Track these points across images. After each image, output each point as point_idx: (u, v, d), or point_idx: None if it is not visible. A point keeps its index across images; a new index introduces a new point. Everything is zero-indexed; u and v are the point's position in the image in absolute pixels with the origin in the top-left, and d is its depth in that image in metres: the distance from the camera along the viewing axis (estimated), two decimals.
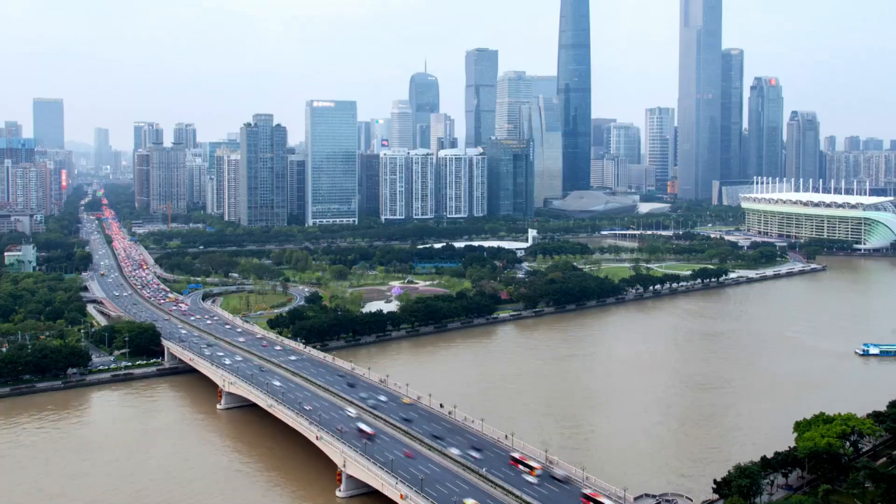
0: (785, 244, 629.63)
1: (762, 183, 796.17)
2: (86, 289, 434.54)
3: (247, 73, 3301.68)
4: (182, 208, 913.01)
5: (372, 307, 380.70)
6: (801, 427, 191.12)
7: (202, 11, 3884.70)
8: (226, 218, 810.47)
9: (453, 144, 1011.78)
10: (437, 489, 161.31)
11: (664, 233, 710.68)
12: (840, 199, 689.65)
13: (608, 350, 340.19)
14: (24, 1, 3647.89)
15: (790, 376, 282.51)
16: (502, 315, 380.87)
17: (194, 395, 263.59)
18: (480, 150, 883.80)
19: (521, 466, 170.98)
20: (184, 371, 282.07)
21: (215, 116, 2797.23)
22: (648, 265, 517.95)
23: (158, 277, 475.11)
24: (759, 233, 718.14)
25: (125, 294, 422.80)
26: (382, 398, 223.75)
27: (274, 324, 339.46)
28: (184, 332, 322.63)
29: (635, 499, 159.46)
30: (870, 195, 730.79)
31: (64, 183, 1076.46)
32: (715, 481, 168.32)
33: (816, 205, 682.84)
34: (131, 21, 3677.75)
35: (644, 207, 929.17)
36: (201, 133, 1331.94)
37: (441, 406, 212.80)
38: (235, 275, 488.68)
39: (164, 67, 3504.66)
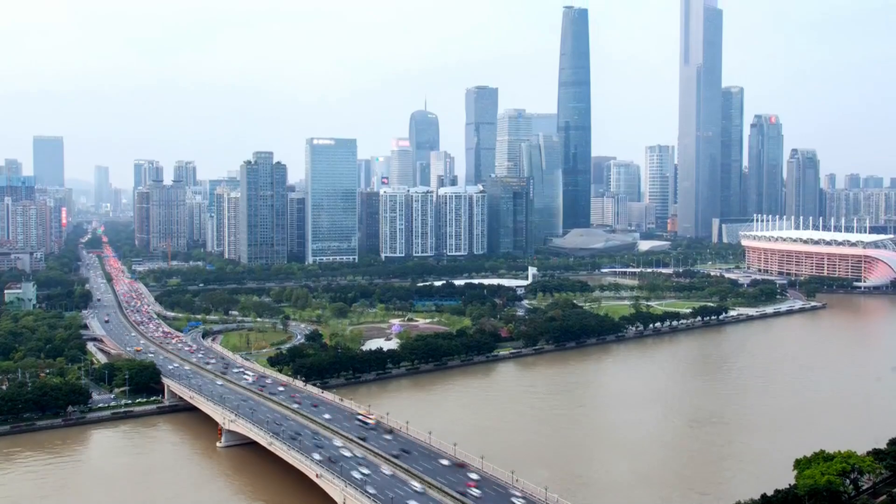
0: (785, 282, 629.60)
1: (762, 221, 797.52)
2: (86, 326, 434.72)
3: (247, 110, 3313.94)
4: (182, 246, 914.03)
5: (372, 345, 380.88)
6: (801, 464, 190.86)
7: (202, 52, 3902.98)
8: (226, 256, 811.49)
9: (453, 182, 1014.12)
10: None
11: (664, 270, 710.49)
12: (840, 236, 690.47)
13: (608, 387, 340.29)
14: (25, 39, 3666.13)
15: (790, 412, 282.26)
16: (502, 353, 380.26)
17: (194, 432, 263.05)
18: (480, 187, 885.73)
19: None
20: (184, 409, 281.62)
21: (215, 154, 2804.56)
22: (648, 303, 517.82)
23: (159, 315, 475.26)
24: (759, 270, 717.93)
25: (126, 333, 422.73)
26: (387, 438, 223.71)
27: (274, 361, 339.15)
28: (183, 368, 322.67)
29: None
30: (870, 233, 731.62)
31: (64, 221, 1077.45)
32: None
33: (816, 242, 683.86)
34: (131, 59, 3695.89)
35: (644, 245, 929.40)
36: (201, 170, 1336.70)
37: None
38: (235, 312, 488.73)
39: (163, 105, 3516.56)
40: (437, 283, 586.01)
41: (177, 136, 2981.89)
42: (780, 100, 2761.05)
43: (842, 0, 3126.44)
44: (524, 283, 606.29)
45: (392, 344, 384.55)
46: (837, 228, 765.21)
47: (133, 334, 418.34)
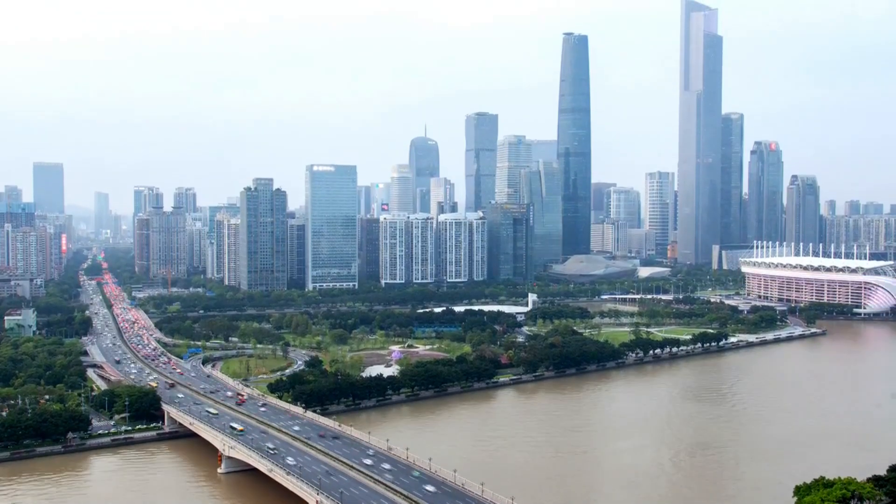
0: (785, 308, 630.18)
1: (762, 247, 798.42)
2: (86, 353, 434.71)
3: (246, 136, 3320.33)
4: (182, 272, 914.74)
5: (372, 371, 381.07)
6: (801, 491, 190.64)
7: (201, 76, 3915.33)
8: (226, 282, 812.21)
9: (453, 209, 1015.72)
10: None
11: (664, 297, 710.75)
12: (840, 263, 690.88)
13: (608, 414, 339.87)
14: (25, 65, 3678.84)
15: (790, 439, 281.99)
16: (502, 379, 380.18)
17: (194, 459, 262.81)
18: (480, 214, 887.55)
19: None
20: (184, 435, 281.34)
21: (215, 180, 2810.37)
22: (648, 329, 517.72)
23: (159, 342, 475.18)
24: (760, 297, 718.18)
25: (126, 358, 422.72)
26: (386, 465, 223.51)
27: (274, 388, 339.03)
28: (181, 395, 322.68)
29: None
30: (870, 259, 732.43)
31: (64, 247, 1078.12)
32: None
33: (816, 269, 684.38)
34: (131, 87, 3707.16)
35: (644, 272, 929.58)
36: (201, 197, 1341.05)
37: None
38: (235, 339, 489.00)
39: (163, 131, 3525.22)
40: (437, 310, 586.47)
41: (177, 163, 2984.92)
42: (780, 126, 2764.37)
43: (840, 38, 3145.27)
44: (524, 309, 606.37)
45: (392, 370, 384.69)
46: (837, 255, 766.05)
47: (130, 357, 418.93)
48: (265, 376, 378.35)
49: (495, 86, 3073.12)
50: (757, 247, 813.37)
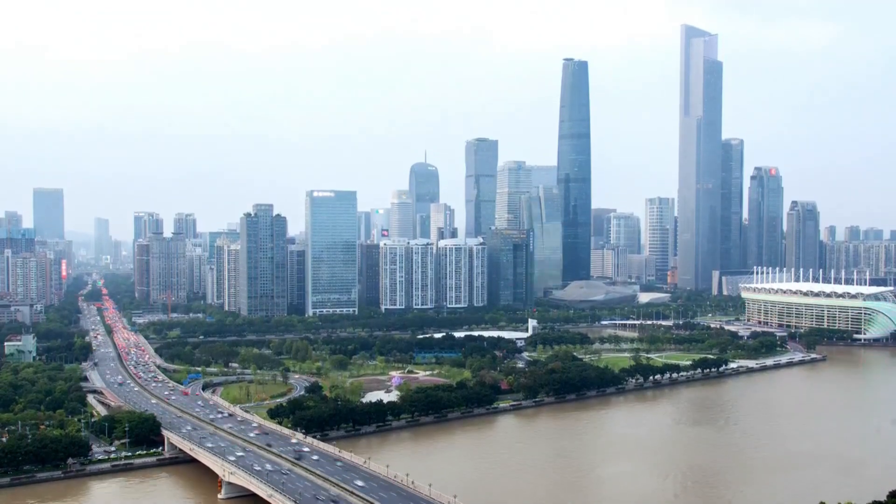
0: (785, 334, 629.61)
1: (762, 273, 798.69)
2: (86, 379, 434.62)
3: (246, 162, 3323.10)
4: (182, 298, 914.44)
5: (372, 397, 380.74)
6: None
7: (202, 99, 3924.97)
8: (226, 308, 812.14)
9: (453, 234, 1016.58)
10: None
11: (664, 323, 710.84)
12: (840, 288, 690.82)
13: (608, 439, 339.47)
14: (25, 91, 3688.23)
15: (790, 463, 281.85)
16: (502, 405, 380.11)
17: (194, 484, 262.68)
18: (480, 239, 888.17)
19: None
20: (184, 461, 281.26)
21: (215, 205, 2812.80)
22: (649, 355, 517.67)
23: (158, 367, 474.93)
24: (760, 323, 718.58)
25: (126, 383, 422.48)
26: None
27: (274, 413, 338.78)
28: (180, 419, 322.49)
29: None
30: (870, 285, 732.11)
31: (64, 273, 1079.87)
32: None
33: (816, 295, 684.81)
34: (130, 111, 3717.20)
35: (644, 297, 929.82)
36: (201, 222, 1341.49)
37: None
38: (235, 365, 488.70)
39: (162, 157, 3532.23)
40: (438, 336, 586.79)
41: (176, 188, 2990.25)
42: (781, 151, 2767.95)
43: (841, 63, 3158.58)
44: (524, 335, 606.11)
45: (392, 396, 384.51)
46: (837, 281, 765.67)
47: (130, 382, 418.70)
48: (265, 402, 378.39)
49: (495, 111, 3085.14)
50: (757, 272, 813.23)
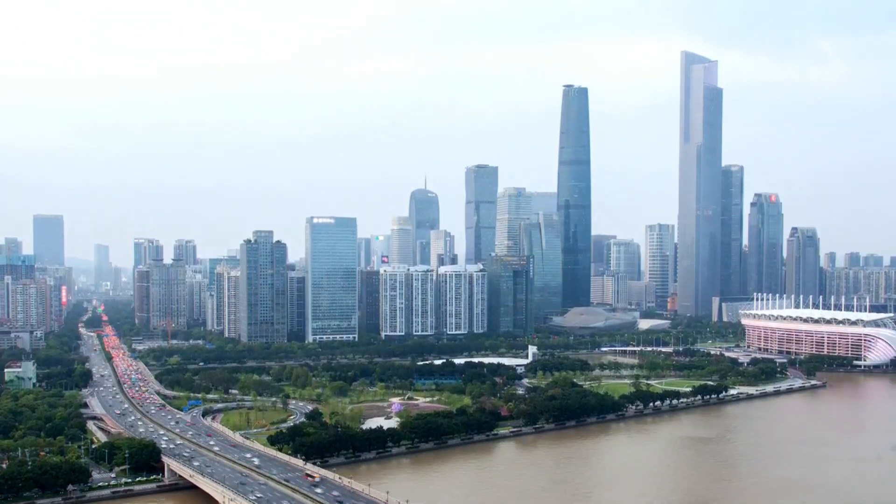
0: (785, 360, 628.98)
1: (762, 299, 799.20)
2: (86, 405, 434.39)
3: (245, 188, 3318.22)
4: (182, 325, 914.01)
5: (372, 423, 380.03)
6: None
7: (199, 127, 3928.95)
8: (226, 334, 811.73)
9: (453, 261, 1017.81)
10: None
11: (664, 349, 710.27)
12: (840, 315, 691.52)
13: (608, 466, 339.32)
14: (23, 116, 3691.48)
15: (789, 491, 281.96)
16: (502, 431, 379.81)
17: None
18: (480, 266, 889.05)
19: None
20: (184, 487, 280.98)
21: (215, 232, 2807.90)
22: (649, 381, 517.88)
23: (158, 394, 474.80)
24: (759, 349, 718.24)
25: (126, 410, 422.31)
26: None
27: (274, 440, 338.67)
28: (179, 444, 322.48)
29: None
30: (870, 311, 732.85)
31: (64, 299, 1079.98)
32: None
33: (816, 321, 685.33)
34: (128, 137, 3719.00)
35: (644, 324, 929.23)
36: (201, 249, 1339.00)
37: None
38: (235, 391, 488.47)
39: (162, 184, 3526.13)
40: (438, 362, 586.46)
41: (176, 215, 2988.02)
42: (781, 177, 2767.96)
43: (841, 91, 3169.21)
44: (524, 361, 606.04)
45: (392, 423, 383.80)
46: (837, 307, 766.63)
47: (130, 409, 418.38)
48: (265, 428, 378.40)
49: (495, 138, 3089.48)
50: (757, 299, 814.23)
